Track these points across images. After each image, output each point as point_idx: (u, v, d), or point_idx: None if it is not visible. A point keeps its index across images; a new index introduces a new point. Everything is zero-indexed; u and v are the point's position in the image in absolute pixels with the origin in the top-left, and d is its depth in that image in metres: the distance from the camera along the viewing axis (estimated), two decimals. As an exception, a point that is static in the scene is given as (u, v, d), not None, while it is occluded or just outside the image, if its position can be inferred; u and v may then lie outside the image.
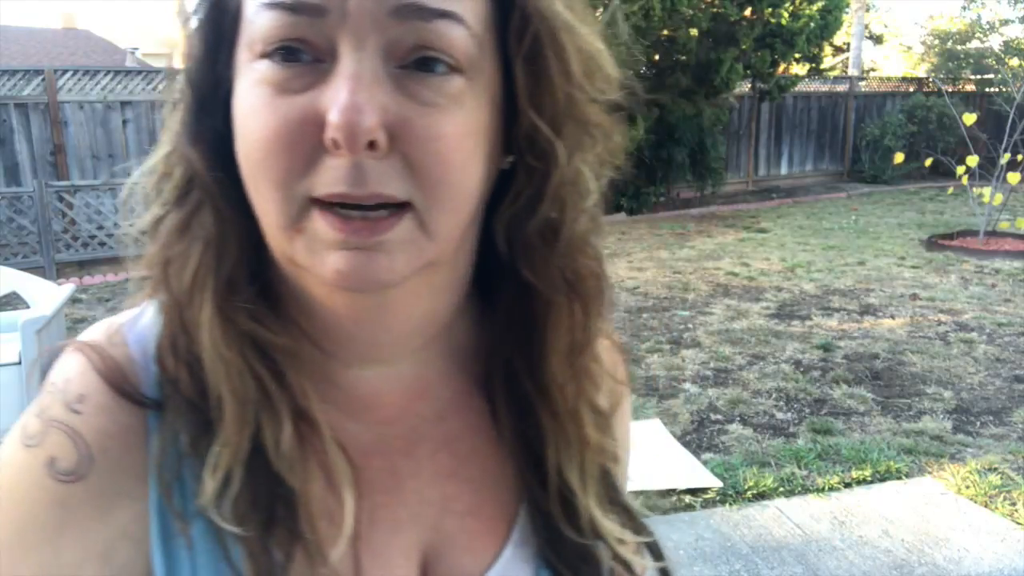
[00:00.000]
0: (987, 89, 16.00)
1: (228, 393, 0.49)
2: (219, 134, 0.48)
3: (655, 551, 0.64)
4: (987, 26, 18.79)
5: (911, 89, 15.72)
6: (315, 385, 0.52)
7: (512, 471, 0.59)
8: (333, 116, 0.41)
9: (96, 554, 0.48)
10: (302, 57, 0.43)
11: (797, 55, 11.56)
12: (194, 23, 0.49)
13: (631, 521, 0.62)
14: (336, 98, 0.42)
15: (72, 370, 0.52)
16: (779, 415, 4.21)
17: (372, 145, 0.42)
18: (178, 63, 0.49)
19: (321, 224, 0.44)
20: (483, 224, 0.54)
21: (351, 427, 0.54)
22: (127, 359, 0.52)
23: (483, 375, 0.60)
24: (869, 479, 3.48)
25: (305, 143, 0.43)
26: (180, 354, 0.50)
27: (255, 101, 0.44)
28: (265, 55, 0.44)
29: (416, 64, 0.44)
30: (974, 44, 18.65)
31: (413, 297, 0.52)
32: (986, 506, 3.25)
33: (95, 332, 0.54)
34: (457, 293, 0.56)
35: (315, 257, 0.45)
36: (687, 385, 4.62)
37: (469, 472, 0.58)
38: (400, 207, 0.44)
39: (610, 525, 0.59)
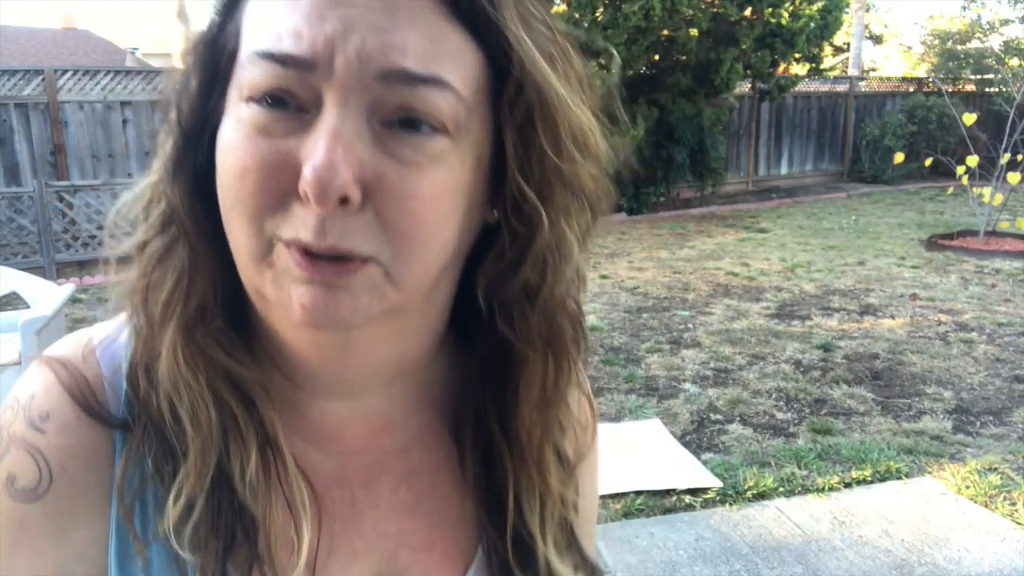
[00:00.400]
0: (987, 89, 16.00)
1: (190, 420, 0.49)
2: (203, 167, 0.48)
3: None
4: (987, 26, 18.79)
5: (911, 89, 15.71)
6: (282, 414, 0.53)
7: (472, 512, 0.60)
8: (307, 171, 0.42)
9: (50, 574, 0.49)
10: (288, 105, 0.44)
11: (797, 55, 11.56)
12: (191, 60, 0.49)
13: (589, 572, 0.63)
14: (313, 152, 0.42)
15: (38, 385, 0.52)
16: (779, 415, 4.21)
17: (344, 200, 0.42)
18: (173, 92, 0.50)
19: (288, 260, 0.44)
20: (466, 272, 0.54)
21: (314, 456, 0.55)
22: (96, 377, 0.52)
23: (452, 414, 0.60)
24: (869, 479, 3.48)
25: (278, 185, 0.44)
26: (150, 378, 0.51)
27: (236, 138, 0.45)
28: (252, 99, 0.44)
29: (400, 123, 0.44)
30: (974, 44, 18.65)
31: (378, 340, 0.53)
32: (986, 506, 3.25)
33: (66, 346, 0.55)
34: (428, 337, 0.57)
35: (282, 291, 0.45)
36: (687, 385, 4.62)
37: (428, 508, 0.59)
38: (365, 258, 0.45)
39: (567, 574, 0.60)
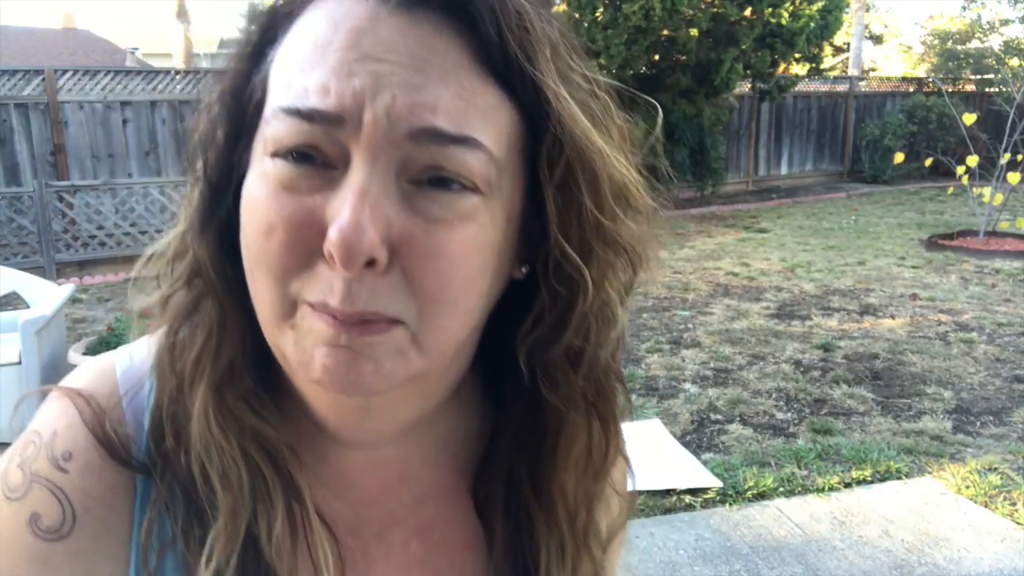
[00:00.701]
0: (987, 89, 16.00)
1: (220, 481, 0.49)
2: (230, 219, 0.47)
3: None
4: (987, 26, 18.79)
5: (911, 89, 15.72)
6: (307, 460, 0.53)
7: (484, 570, 0.58)
8: (333, 232, 0.40)
9: None
10: (314, 160, 0.43)
11: (797, 55, 11.55)
12: (217, 109, 0.48)
13: None
14: (339, 212, 0.41)
15: (59, 421, 0.51)
16: (779, 415, 4.21)
17: (371, 263, 0.41)
18: (199, 141, 0.49)
19: (313, 320, 0.43)
20: (495, 330, 0.53)
21: (333, 504, 0.55)
22: (119, 417, 0.52)
23: (470, 467, 0.59)
24: (869, 479, 3.48)
25: (304, 245, 0.42)
26: (178, 436, 0.50)
27: (261, 194, 0.44)
28: (278, 155, 0.43)
29: (430, 181, 0.43)
30: (974, 44, 18.65)
31: (399, 403, 0.52)
32: (986, 506, 3.25)
33: (88, 377, 0.54)
34: (448, 393, 0.56)
35: (304, 354, 0.44)
36: (687, 385, 4.62)
37: (438, 563, 0.58)
38: (391, 320, 0.43)
39: None
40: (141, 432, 0.52)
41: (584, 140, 0.45)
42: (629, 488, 0.63)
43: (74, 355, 4.05)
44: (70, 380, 0.54)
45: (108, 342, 4.05)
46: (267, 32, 0.47)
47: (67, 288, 4.52)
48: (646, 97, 0.57)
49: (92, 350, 4.05)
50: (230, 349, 0.49)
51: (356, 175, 0.42)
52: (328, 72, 0.42)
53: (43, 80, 8.70)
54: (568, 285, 0.48)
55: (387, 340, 0.43)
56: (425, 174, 0.43)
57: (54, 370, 4.14)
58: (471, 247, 0.44)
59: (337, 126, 0.41)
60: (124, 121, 9.15)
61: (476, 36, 0.43)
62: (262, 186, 0.44)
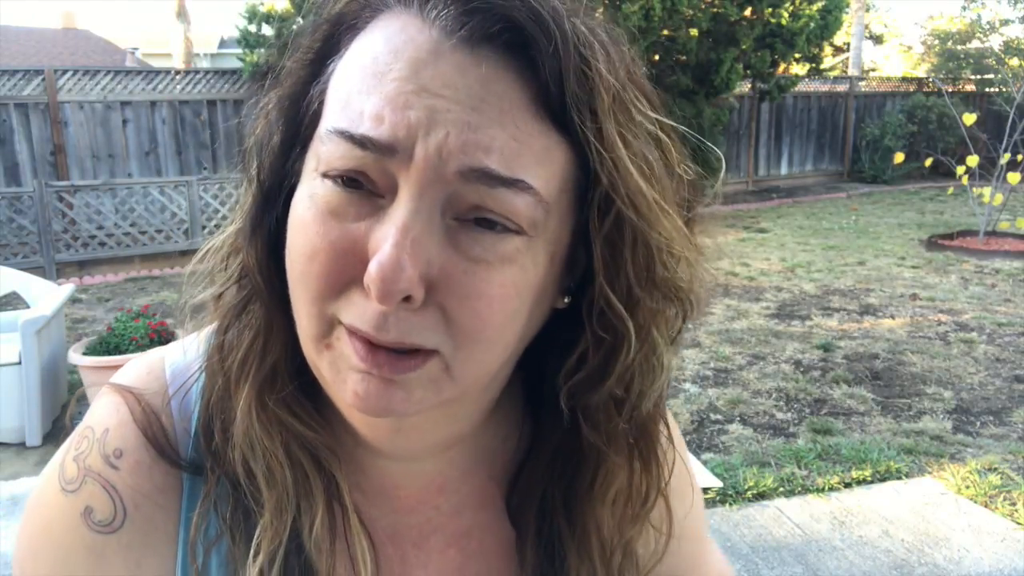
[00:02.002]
0: (987, 89, 16.00)
1: (265, 478, 0.50)
2: (279, 226, 0.48)
3: None
4: (987, 26, 18.79)
5: (911, 89, 15.72)
6: (344, 468, 0.54)
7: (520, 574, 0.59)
8: (373, 267, 0.40)
9: None
10: (362, 186, 0.43)
11: (797, 55, 11.55)
12: (275, 114, 0.49)
13: None
14: (380, 248, 0.41)
15: (111, 418, 0.53)
16: (779, 415, 4.21)
17: (407, 299, 0.41)
18: (256, 143, 0.50)
19: (348, 347, 0.44)
20: (535, 353, 0.52)
21: (371, 512, 0.56)
22: (168, 417, 0.53)
23: (504, 475, 0.59)
24: (869, 479, 3.48)
25: (345, 272, 0.43)
26: (226, 434, 0.51)
27: (308, 217, 0.44)
28: (328, 176, 0.43)
29: (475, 221, 0.43)
30: (974, 44, 18.65)
31: (430, 424, 0.52)
32: (986, 506, 3.25)
33: (139, 373, 0.55)
34: (482, 414, 0.56)
35: (337, 376, 0.45)
36: (687, 385, 4.62)
37: (475, 569, 0.58)
38: (428, 351, 0.44)
39: None
40: (189, 431, 0.53)
41: (638, 194, 0.44)
42: (666, 526, 0.62)
43: (74, 355, 4.04)
44: (122, 376, 0.55)
45: (108, 342, 4.04)
46: (329, 41, 0.47)
47: (67, 288, 4.52)
48: (712, 147, 0.57)
49: (92, 350, 4.05)
50: (275, 353, 0.50)
51: (401, 209, 0.41)
52: (384, 101, 0.41)
53: (43, 80, 8.70)
54: (612, 333, 0.47)
55: (419, 374, 0.44)
56: (471, 213, 0.42)
57: (54, 370, 4.14)
58: (511, 290, 0.44)
59: (388, 156, 0.41)
60: (124, 121, 9.15)
61: (536, 78, 0.42)
62: (310, 208, 0.44)
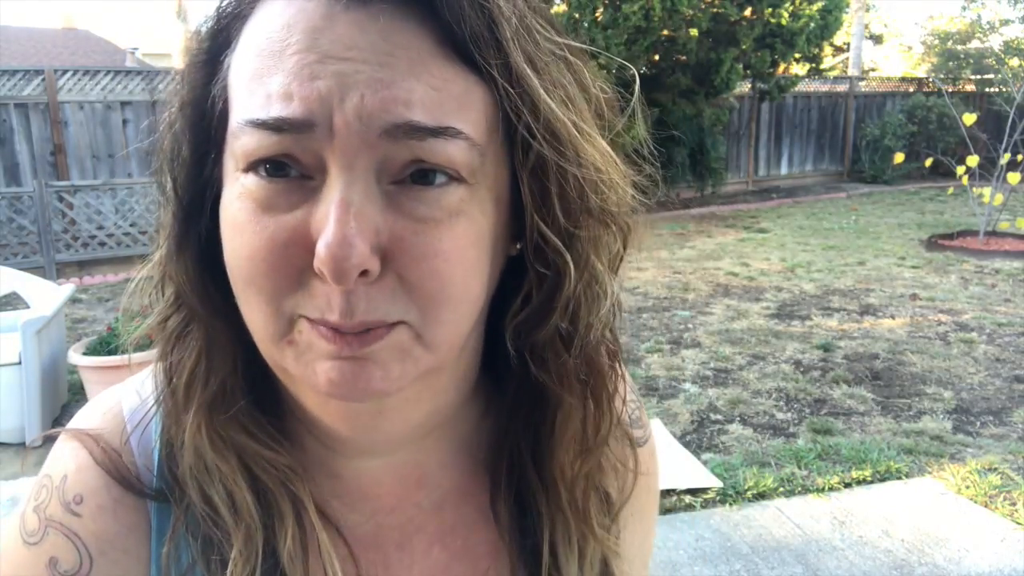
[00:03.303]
0: (987, 89, 16.00)
1: (225, 505, 0.49)
2: (208, 238, 0.46)
3: None
4: (987, 26, 18.79)
5: (911, 89, 15.72)
6: (317, 477, 0.53)
7: (508, 568, 0.57)
8: (321, 249, 0.39)
9: None
10: (289, 172, 0.41)
11: (797, 55, 11.55)
12: (180, 124, 0.46)
13: None
14: (324, 229, 0.39)
15: (70, 464, 0.51)
16: (779, 415, 4.21)
17: (363, 273, 0.40)
18: (165, 160, 0.47)
19: (312, 335, 0.42)
20: (493, 308, 0.51)
21: (350, 518, 0.54)
22: (128, 453, 0.52)
23: (488, 463, 0.58)
24: (869, 479, 3.48)
25: (293, 264, 0.41)
26: (185, 464, 0.50)
27: (240, 217, 0.42)
28: (250, 169, 0.41)
29: (412, 178, 0.41)
30: (974, 44, 18.64)
31: (411, 402, 0.51)
32: (986, 506, 3.25)
33: (95, 417, 0.54)
34: (461, 389, 0.55)
35: (306, 367, 0.43)
36: (687, 385, 4.62)
37: (462, 568, 0.57)
38: (392, 323, 0.42)
39: None
40: (151, 466, 0.52)
41: (555, 124, 0.43)
42: (644, 466, 0.61)
43: (74, 355, 4.04)
44: (77, 421, 0.54)
45: (108, 342, 4.04)
46: (218, 37, 0.45)
47: (67, 288, 4.52)
48: (653, 149, 0.56)
49: (92, 350, 4.05)
50: (220, 371, 0.48)
51: (335, 185, 0.40)
52: (288, 76, 0.39)
53: (43, 80, 8.70)
54: (552, 267, 0.46)
55: (390, 343, 0.42)
56: (406, 171, 0.41)
57: (54, 370, 4.14)
58: (464, 241, 0.43)
59: (307, 133, 0.39)
60: (124, 121, 9.15)
61: (437, 22, 0.41)
62: (241, 208, 0.42)
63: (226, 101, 0.43)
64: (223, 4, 0.45)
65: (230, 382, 0.48)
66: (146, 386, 0.54)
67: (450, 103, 0.41)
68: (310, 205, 0.41)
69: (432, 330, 0.43)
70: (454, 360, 0.50)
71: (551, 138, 0.43)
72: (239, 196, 0.42)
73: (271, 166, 0.41)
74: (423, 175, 0.41)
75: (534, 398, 0.53)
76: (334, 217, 0.39)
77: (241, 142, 0.41)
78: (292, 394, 0.50)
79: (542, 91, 0.43)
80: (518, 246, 0.48)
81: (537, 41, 0.44)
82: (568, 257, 0.46)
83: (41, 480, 0.52)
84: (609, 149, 0.47)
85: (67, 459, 0.51)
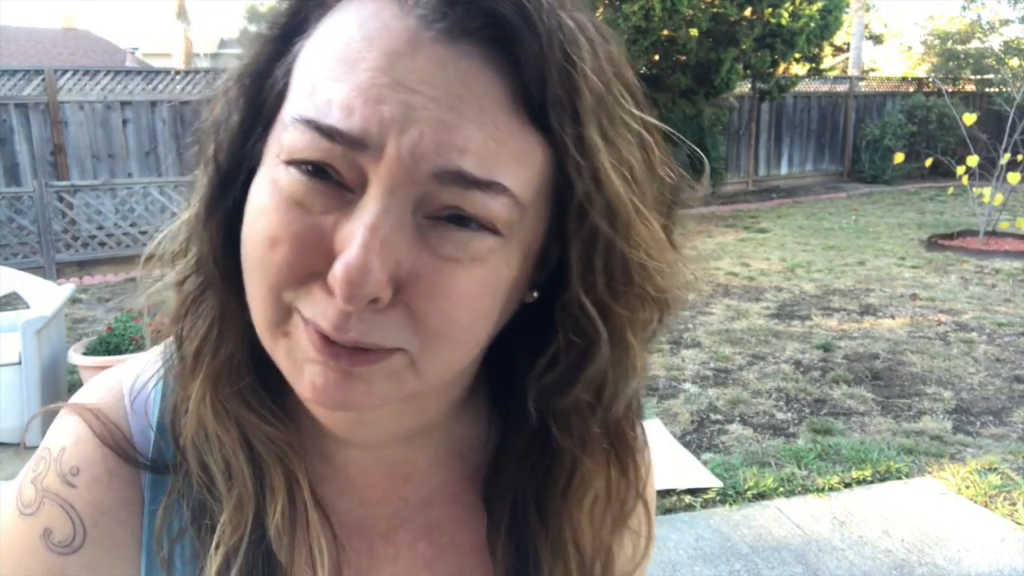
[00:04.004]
0: (987, 89, 16.00)
1: (222, 472, 0.49)
2: (236, 211, 0.46)
3: None
4: (987, 26, 18.78)
5: (911, 89, 15.72)
6: (310, 458, 0.53)
7: (492, 571, 0.57)
8: (339, 268, 0.38)
9: None
10: (329, 177, 0.40)
11: (797, 55, 11.55)
12: (235, 92, 0.46)
13: None
14: (348, 247, 0.39)
15: (68, 437, 0.52)
16: (779, 415, 4.21)
17: (374, 300, 0.39)
18: (213, 122, 0.47)
19: (304, 337, 0.42)
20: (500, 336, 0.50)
21: (338, 504, 0.54)
22: (126, 424, 0.52)
23: (477, 473, 0.58)
24: (869, 479, 3.48)
25: (306, 264, 0.41)
26: (187, 430, 0.50)
27: (270, 204, 0.41)
28: (291, 163, 0.41)
29: (447, 218, 0.41)
30: (974, 44, 18.64)
31: (392, 417, 0.51)
32: (986, 506, 3.25)
33: (96, 392, 0.54)
34: (451, 404, 0.55)
35: (294, 367, 0.43)
36: (687, 385, 4.62)
37: (446, 565, 0.57)
38: (389, 350, 0.42)
39: None
40: (149, 435, 0.52)
41: (618, 200, 0.42)
42: (644, 528, 0.60)
43: (74, 355, 4.04)
44: (79, 397, 0.54)
45: (108, 342, 4.04)
46: (296, 17, 0.44)
47: (67, 288, 4.52)
48: (695, 148, 0.56)
49: (92, 350, 4.05)
50: (230, 344, 0.48)
51: (370, 207, 0.39)
52: (355, 91, 0.39)
53: (43, 80, 8.70)
54: (584, 338, 0.46)
55: (380, 368, 0.42)
56: (443, 212, 0.40)
57: (54, 370, 4.14)
58: (481, 289, 0.42)
59: (358, 150, 0.39)
60: (124, 121, 9.15)
61: (517, 76, 0.40)
62: (272, 195, 0.42)
63: (286, 85, 0.43)
64: None
65: (238, 355, 0.48)
66: (147, 369, 0.55)
67: (506, 157, 0.40)
68: (341, 215, 0.40)
69: (428, 362, 0.43)
70: (442, 389, 0.51)
71: (608, 213, 0.43)
72: (274, 182, 0.42)
73: (312, 168, 0.40)
74: (459, 219, 0.41)
75: (546, 449, 0.52)
76: (360, 241, 0.38)
77: (290, 135, 0.41)
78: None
79: (609, 167, 0.42)
80: (535, 295, 0.48)
81: (615, 115, 0.43)
82: (603, 330, 0.45)
83: (40, 452, 0.53)
84: (663, 231, 0.47)
85: (66, 432, 0.52)
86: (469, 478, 0.58)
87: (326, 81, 0.40)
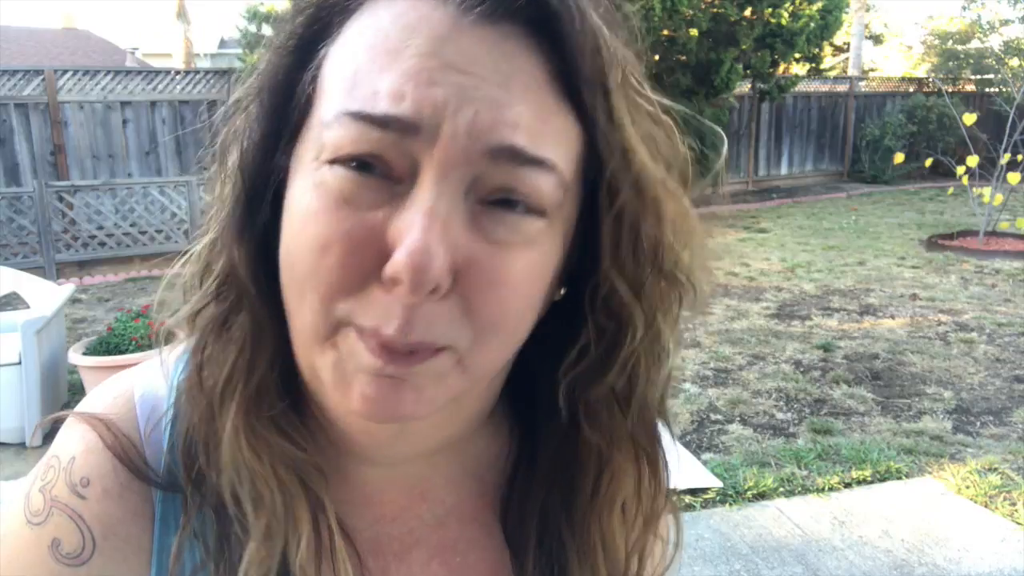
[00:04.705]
0: (987, 89, 16.00)
1: (253, 504, 0.47)
2: (265, 228, 0.45)
3: None
4: (987, 26, 18.78)
5: (911, 89, 15.72)
6: (327, 478, 0.52)
7: None
8: (401, 255, 0.38)
9: None
10: (375, 170, 0.40)
11: (797, 55, 11.55)
12: (255, 109, 0.45)
13: None
14: (408, 234, 0.38)
15: (78, 446, 0.51)
16: (779, 415, 4.21)
17: (433, 289, 0.39)
18: (234, 139, 0.46)
19: (359, 346, 0.41)
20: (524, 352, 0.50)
21: (354, 523, 0.54)
22: (139, 443, 0.51)
23: (497, 489, 0.57)
24: (869, 479, 3.48)
25: (361, 264, 0.40)
26: (209, 457, 0.49)
27: (316, 206, 0.40)
28: (337, 161, 0.40)
29: (497, 202, 0.41)
30: (974, 44, 18.65)
31: (434, 427, 0.51)
32: (986, 506, 3.25)
33: (105, 402, 0.53)
34: (482, 413, 0.54)
35: (342, 379, 0.42)
36: (687, 385, 4.62)
37: None
38: (440, 348, 0.42)
39: None
40: (160, 457, 0.51)
41: (647, 174, 0.43)
42: (673, 534, 0.59)
43: (74, 355, 4.04)
44: (88, 404, 0.53)
45: (108, 342, 4.04)
46: (315, 25, 0.44)
47: (67, 288, 4.52)
48: (712, 126, 0.57)
49: (92, 350, 4.05)
50: (263, 367, 0.47)
51: (425, 193, 0.39)
52: (404, 77, 0.39)
53: (43, 80, 8.70)
54: (617, 320, 0.46)
55: (432, 367, 0.42)
56: (494, 195, 0.41)
57: (54, 370, 4.14)
58: (534, 273, 0.42)
59: (411, 136, 0.39)
60: (124, 121, 9.15)
61: (556, 55, 0.41)
62: (318, 197, 0.40)
63: (316, 91, 0.43)
64: None
65: (270, 380, 0.47)
66: (157, 376, 0.53)
67: (551, 135, 0.41)
68: (392, 208, 0.40)
69: (476, 356, 0.43)
70: (480, 390, 0.50)
71: (639, 189, 0.43)
72: (317, 185, 0.41)
73: (358, 164, 0.40)
74: (509, 202, 0.41)
75: (574, 451, 0.52)
76: (421, 225, 0.38)
77: (334, 132, 0.40)
78: (316, 394, 0.49)
79: (637, 141, 0.43)
80: (563, 291, 0.48)
81: (637, 93, 0.44)
82: (636, 309, 0.45)
83: (48, 460, 0.52)
84: (688, 205, 0.47)
85: (76, 441, 0.51)
86: (487, 498, 0.57)
87: (368, 74, 0.40)
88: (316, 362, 0.43)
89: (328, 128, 0.41)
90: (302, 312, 0.42)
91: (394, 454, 0.53)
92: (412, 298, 0.39)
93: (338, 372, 0.42)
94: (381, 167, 0.40)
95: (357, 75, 0.40)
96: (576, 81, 0.41)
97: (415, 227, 0.38)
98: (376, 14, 0.42)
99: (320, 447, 0.51)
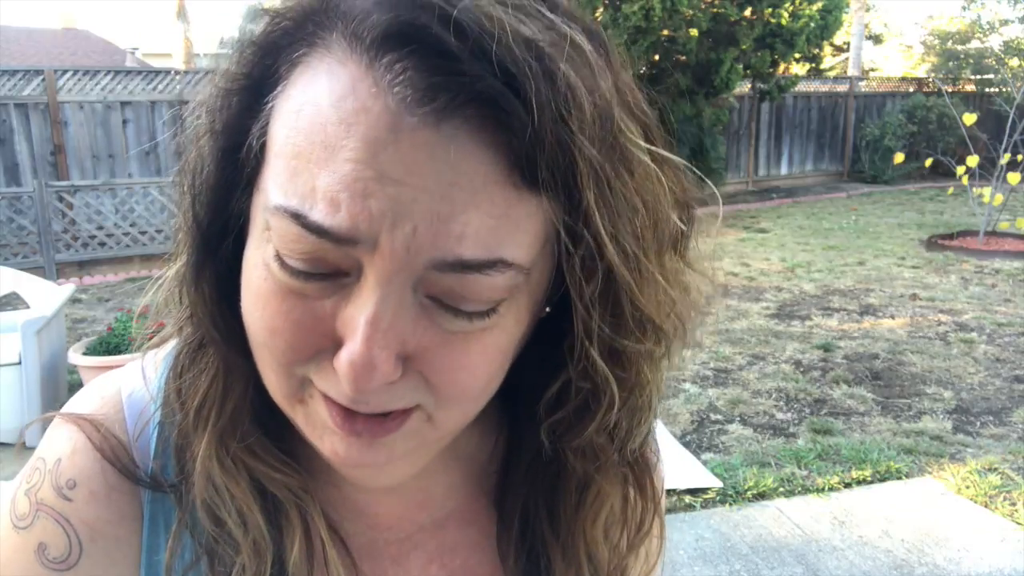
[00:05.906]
0: (987, 89, 16.01)
1: (236, 525, 0.48)
2: (231, 265, 0.44)
3: None
4: (987, 26, 18.79)
5: (911, 89, 15.72)
6: (318, 487, 0.52)
7: None
8: (345, 363, 0.38)
9: None
10: (320, 267, 0.39)
11: (797, 55, 11.55)
12: (207, 145, 0.43)
13: None
14: (351, 340, 0.38)
15: (64, 448, 0.50)
16: (779, 415, 4.21)
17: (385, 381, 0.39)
18: (188, 174, 0.44)
19: (323, 409, 0.41)
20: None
21: (348, 528, 0.53)
22: (125, 436, 0.51)
23: (493, 485, 0.57)
24: (869, 479, 3.48)
25: (312, 344, 0.40)
26: (190, 479, 0.49)
27: (265, 290, 0.40)
28: (280, 258, 0.39)
29: (447, 303, 0.39)
30: (974, 44, 18.65)
31: (410, 464, 0.50)
32: (986, 506, 3.25)
33: (92, 403, 0.52)
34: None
35: (314, 432, 0.43)
36: (687, 385, 4.62)
37: None
38: (408, 409, 0.42)
39: None
40: (148, 458, 0.50)
41: (618, 261, 0.40)
42: (657, 531, 0.59)
43: (74, 355, 4.04)
44: (74, 405, 0.52)
45: (108, 342, 4.05)
46: (262, 66, 0.41)
47: (67, 288, 4.52)
48: (713, 148, 0.54)
49: (92, 350, 4.05)
50: (234, 398, 0.47)
51: (369, 295, 0.38)
52: (340, 184, 0.36)
53: (43, 80, 8.70)
54: (592, 383, 0.45)
55: (401, 431, 0.42)
56: (444, 297, 0.39)
57: (54, 370, 4.14)
58: (492, 354, 0.41)
59: (349, 245, 0.37)
60: (124, 121, 9.15)
61: (511, 147, 0.37)
62: (266, 280, 0.40)
63: (263, 146, 0.40)
64: (269, 36, 0.41)
65: (243, 409, 0.47)
66: (146, 375, 0.53)
67: (506, 229, 0.38)
68: (340, 299, 0.39)
69: (444, 415, 0.43)
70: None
71: (610, 279, 0.41)
72: (267, 265, 0.40)
73: (302, 263, 0.39)
74: (458, 305, 0.40)
75: (553, 461, 0.51)
76: (363, 335, 0.37)
77: (277, 223, 0.38)
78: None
79: (607, 236, 0.39)
80: (547, 309, 0.46)
81: (618, 158, 0.40)
82: (612, 379, 0.44)
83: (34, 463, 0.51)
84: (674, 268, 0.46)
85: (62, 442, 0.50)
86: (482, 499, 0.57)
87: (307, 164, 0.37)
88: (288, 413, 0.44)
89: (272, 215, 0.39)
90: (266, 372, 0.43)
91: (382, 486, 0.52)
92: (358, 395, 0.39)
93: (310, 425, 0.43)
94: (324, 266, 0.39)
95: (298, 159, 0.38)
96: (537, 172, 0.37)
97: (358, 334, 0.38)
98: (317, 85, 0.38)
99: (312, 462, 0.51)
